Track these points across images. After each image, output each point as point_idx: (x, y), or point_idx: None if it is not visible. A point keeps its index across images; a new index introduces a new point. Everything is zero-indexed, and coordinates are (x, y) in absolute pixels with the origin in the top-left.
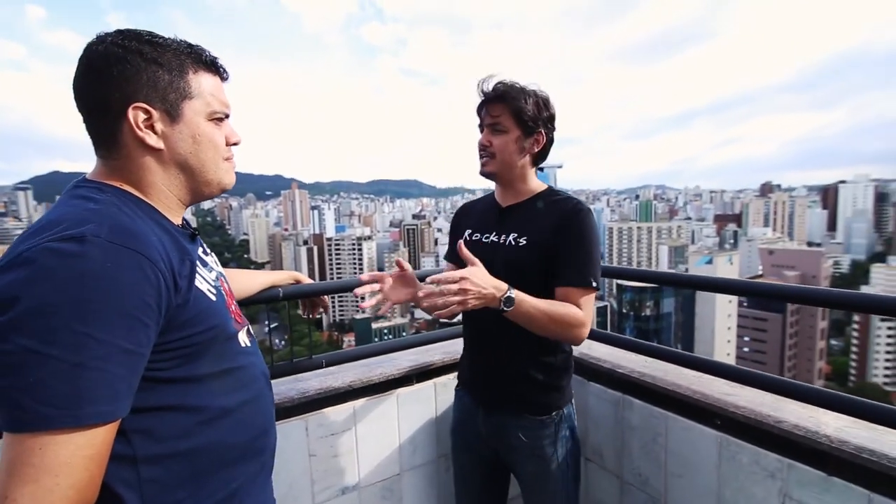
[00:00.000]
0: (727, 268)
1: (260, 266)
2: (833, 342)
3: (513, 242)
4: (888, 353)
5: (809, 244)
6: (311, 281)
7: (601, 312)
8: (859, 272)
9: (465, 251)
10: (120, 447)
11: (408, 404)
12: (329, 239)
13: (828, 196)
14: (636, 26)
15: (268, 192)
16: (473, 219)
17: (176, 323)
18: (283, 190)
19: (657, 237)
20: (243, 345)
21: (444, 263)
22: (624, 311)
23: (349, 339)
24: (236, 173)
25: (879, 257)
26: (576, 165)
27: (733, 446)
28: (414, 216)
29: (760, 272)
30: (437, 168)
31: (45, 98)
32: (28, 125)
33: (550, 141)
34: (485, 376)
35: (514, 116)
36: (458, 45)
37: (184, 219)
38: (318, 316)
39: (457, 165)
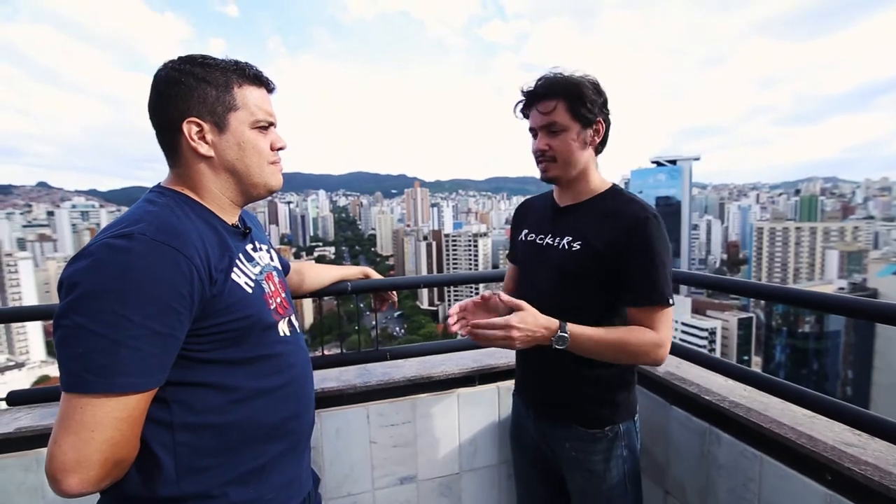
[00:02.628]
0: None
1: (384, 259)
2: None
3: (566, 247)
4: None
5: None
6: (379, 276)
7: (744, 325)
8: None
9: (507, 298)
10: (161, 413)
11: (469, 405)
12: (447, 235)
13: None
14: None
15: (393, 191)
16: (531, 218)
17: (211, 311)
18: (406, 188)
19: (823, 240)
20: (282, 334)
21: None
22: (774, 324)
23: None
24: (367, 173)
25: None
26: (716, 157)
27: None
28: None
29: None
30: None
31: None
32: None
33: (609, 125)
34: (533, 381)
35: (570, 110)
36: (584, 33)
37: (240, 218)
38: (385, 309)
39: None
